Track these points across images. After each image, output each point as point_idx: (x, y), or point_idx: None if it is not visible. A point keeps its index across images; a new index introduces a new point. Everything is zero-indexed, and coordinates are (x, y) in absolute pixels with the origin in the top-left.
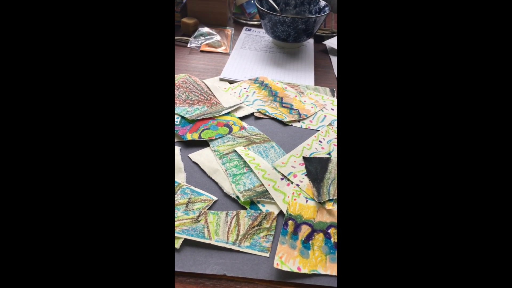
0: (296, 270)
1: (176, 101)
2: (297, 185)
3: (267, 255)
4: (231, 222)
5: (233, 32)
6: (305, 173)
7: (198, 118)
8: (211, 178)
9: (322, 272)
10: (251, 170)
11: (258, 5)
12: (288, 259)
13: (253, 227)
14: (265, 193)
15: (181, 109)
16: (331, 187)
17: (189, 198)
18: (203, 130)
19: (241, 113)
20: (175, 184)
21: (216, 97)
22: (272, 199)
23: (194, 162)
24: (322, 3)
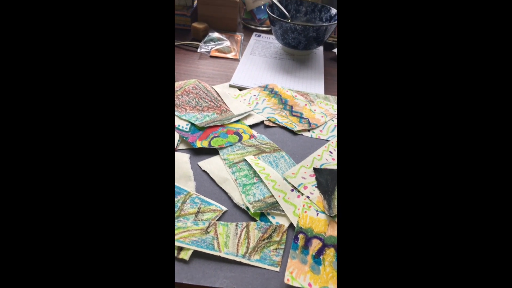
0: (307, 287)
1: (186, 107)
2: (308, 197)
3: (277, 269)
4: (241, 234)
5: (242, 37)
6: (316, 185)
7: (208, 125)
8: (220, 188)
9: None
10: (261, 180)
11: (269, 12)
12: (299, 275)
13: (263, 240)
14: (275, 205)
15: (191, 116)
16: None
17: (198, 208)
18: (212, 138)
19: (250, 121)
20: (185, 193)
21: (226, 104)
22: (282, 211)
23: (204, 171)
24: (333, 11)
